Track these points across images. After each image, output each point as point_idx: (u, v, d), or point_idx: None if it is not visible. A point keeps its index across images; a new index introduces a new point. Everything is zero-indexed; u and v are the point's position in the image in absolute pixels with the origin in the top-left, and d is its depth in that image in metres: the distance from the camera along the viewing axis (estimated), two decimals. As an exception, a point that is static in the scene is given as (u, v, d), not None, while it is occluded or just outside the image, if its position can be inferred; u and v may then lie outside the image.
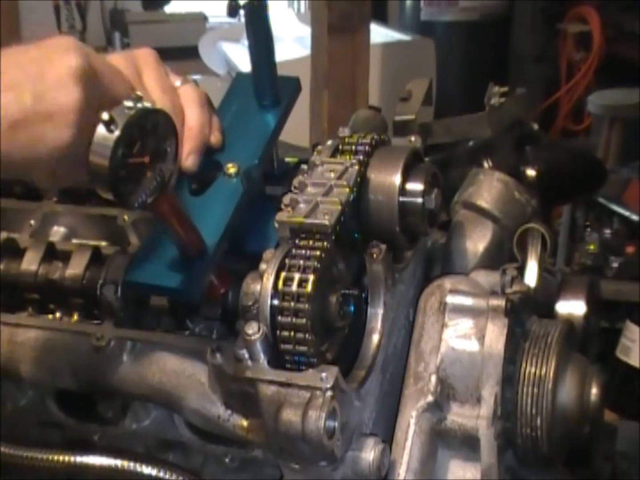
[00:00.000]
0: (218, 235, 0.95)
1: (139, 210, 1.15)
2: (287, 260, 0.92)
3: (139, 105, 0.81)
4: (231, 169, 1.00)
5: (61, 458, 1.02)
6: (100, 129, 0.79)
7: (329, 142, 1.08)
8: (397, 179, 1.01)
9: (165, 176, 0.85)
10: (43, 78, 0.83)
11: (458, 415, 1.01)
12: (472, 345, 1.02)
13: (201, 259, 0.93)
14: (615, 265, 3.03)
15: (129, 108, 0.81)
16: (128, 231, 1.15)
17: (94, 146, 0.79)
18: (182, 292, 0.95)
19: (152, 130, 0.83)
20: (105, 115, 0.79)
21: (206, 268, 0.94)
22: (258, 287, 0.92)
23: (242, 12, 1.00)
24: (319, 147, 1.09)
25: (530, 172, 1.36)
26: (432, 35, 4.32)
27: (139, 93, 0.83)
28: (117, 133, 0.79)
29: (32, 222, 1.19)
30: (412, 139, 1.12)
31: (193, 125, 0.97)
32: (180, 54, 4.00)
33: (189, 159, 0.96)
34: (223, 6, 1.01)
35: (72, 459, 1.02)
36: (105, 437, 1.10)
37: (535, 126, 1.47)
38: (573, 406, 1.03)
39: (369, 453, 0.92)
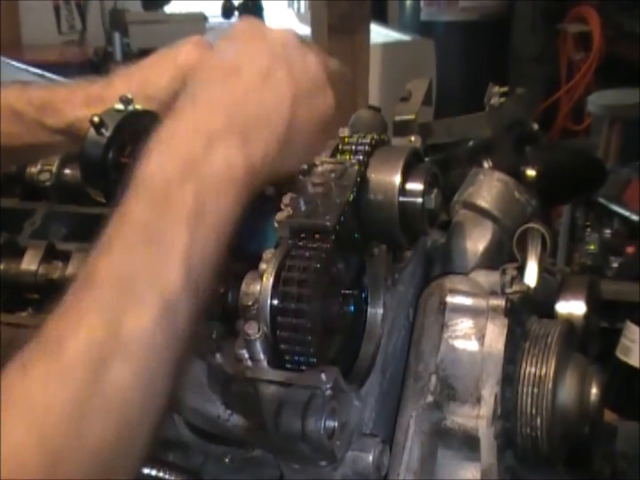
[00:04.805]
0: None
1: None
2: (287, 261, 0.92)
3: (130, 107, 0.82)
4: None
5: (61, 458, 1.02)
6: (91, 132, 0.79)
7: (329, 142, 1.08)
8: (397, 178, 1.01)
9: None
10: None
11: (458, 415, 1.01)
12: (472, 345, 1.02)
13: None
14: (615, 265, 3.03)
15: (119, 110, 0.81)
16: (128, 231, 1.15)
17: (85, 149, 0.79)
18: None
19: (143, 132, 0.83)
20: (95, 118, 0.79)
21: None
22: (258, 287, 0.92)
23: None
24: (319, 147, 1.09)
25: (530, 172, 1.36)
26: (432, 35, 4.32)
27: (129, 95, 0.84)
28: (107, 135, 0.79)
29: (32, 222, 1.19)
30: (412, 139, 1.12)
31: None
32: (181, 54, 3.99)
33: None
34: (223, 6, 1.01)
35: (72, 458, 1.02)
36: (105, 437, 1.10)
37: (535, 126, 1.47)
38: (573, 406, 1.03)
39: (369, 453, 0.92)
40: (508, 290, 1.06)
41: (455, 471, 1.03)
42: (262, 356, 0.90)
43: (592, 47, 4.63)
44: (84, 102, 1.07)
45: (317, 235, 0.93)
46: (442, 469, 1.03)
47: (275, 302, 0.90)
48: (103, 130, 0.79)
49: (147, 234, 0.74)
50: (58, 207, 1.21)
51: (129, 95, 0.84)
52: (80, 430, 0.64)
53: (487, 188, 1.19)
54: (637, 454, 1.57)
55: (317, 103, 0.93)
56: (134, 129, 0.81)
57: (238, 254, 1.01)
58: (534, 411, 1.01)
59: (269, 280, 0.91)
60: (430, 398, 1.00)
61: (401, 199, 1.02)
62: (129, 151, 0.81)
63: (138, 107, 0.83)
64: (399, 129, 1.23)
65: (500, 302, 1.02)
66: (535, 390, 1.01)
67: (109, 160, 0.79)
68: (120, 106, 0.81)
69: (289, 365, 0.91)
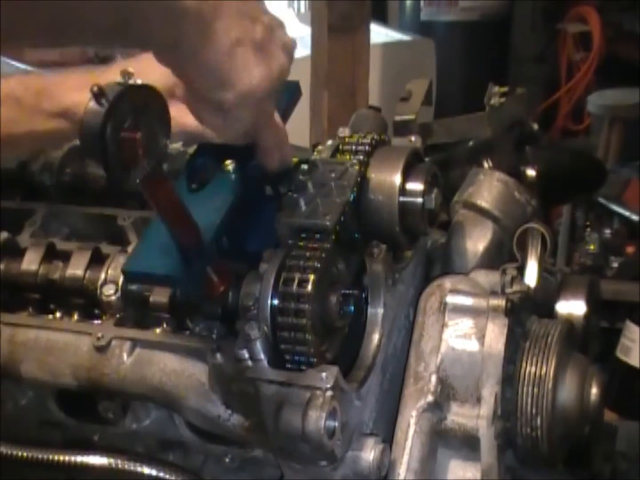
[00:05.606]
0: (215, 228, 0.95)
1: (138, 210, 1.16)
2: (287, 261, 0.92)
3: (130, 81, 0.82)
4: (229, 165, 1.00)
5: (61, 458, 1.02)
6: (91, 103, 0.79)
7: (329, 142, 1.08)
8: (397, 178, 1.02)
9: (158, 154, 0.85)
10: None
11: (458, 415, 1.01)
12: (472, 345, 1.02)
13: (198, 250, 0.93)
14: (615, 265, 3.03)
15: (120, 83, 0.81)
16: (128, 231, 1.15)
17: (85, 119, 0.79)
18: (179, 282, 0.94)
19: (143, 107, 0.83)
20: (95, 88, 0.79)
21: (204, 259, 0.94)
22: (258, 287, 0.92)
23: None
24: (319, 147, 1.09)
25: (530, 172, 1.37)
26: (432, 35, 4.31)
27: (130, 69, 0.83)
28: (107, 106, 0.79)
29: (32, 222, 1.19)
30: (412, 139, 1.12)
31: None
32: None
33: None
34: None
35: (72, 458, 1.02)
36: (105, 437, 1.10)
37: (535, 126, 1.48)
38: (573, 406, 1.03)
39: (369, 453, 0.92)
40: (508, 290, 1.06)
41: (455, 471, 1.03)
42: (262, 356, 0.90)
43: (592, 47, 4.63)
44: (79, 87, 1.09)
45: (317, 235, 0.93)
46: (442, 469, 1.03)
47: (276, 302, 0.90)
48: (103, 101, 0.78)
49: None
50: (58, 207, 1.21)
51: (130, 69, 0.83)
52: None
53: (487, 188, 1.19)
54: (637, 454, 1.57)
55: None
56: (134, 101, 0.81)
57: (238, 254, 1.01)
58: (534, 411, 1.01)
59: (269, 280, 0.91)
60: (430, 398, 1.00)
61: (401, 198, 1.02)
62: (129, 124, 0.80)
63: (139, 81, 0.83)
64: (399, 129, 1.23)
65: (500, 302, 1.02)
66: (535, 390, 1.01)
67: (107, 130, 0.78)
68: (120, 79, 0.81)
69: (289, 365, 0.91)
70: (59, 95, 1.10)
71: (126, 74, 0.82)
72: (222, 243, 0.98)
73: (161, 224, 0.92)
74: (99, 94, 0.78)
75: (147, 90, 0.83)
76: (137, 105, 0.82)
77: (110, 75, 1.04)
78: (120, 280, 1.04)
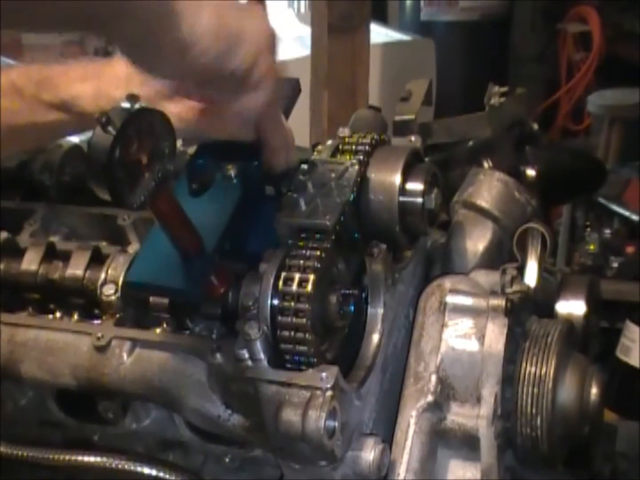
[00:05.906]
0: (217, 235, 0.95)
1: (138, 210, 1.16)
2: (287, 260, 0.92)
3: (136, 105, 0.82)
4: (230, 169, 1.00)
5: (61, 458, 1.02)
6: (98, 130, 0.79)
7: (329, 142, 1.08)
8: (397, 178, 1.02)
9: (163, 176, 0.85)
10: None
11: (458, 415, 1.01)
12: (472, 345, 1.02)
13: (200, 259, 0.93)
14: (615, 265, 3.02)
15: (126, 109, 0.81)
16: (128, 231, 1.15)
17: (92, 146, 0.80)
18: (182, 292, 0.95)
19: (149, 130, 0.83)
20: (102, 116, 0.79)
21: (205, 268, 0.94)
22: (258, 287, 0.92)
23: None
24: (319, 147, 1.09)
25: (530, 172, 1.37)
26: (432, 35, 4.32)
27: (135, 93, 0.84)
28: (113, 133, 0.79)
29: (32, 222, 1.19)
30: (412, 139, 1.12)
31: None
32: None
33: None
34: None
35: (72, 458, 1.02)
36: (105, 437, 1.10)
37: (535, 126, 1.48)
38: (573, 406, 1.03)
39: (369, 453, 0.92)
40: (508, 290, 1.06)
41: (455, 471, 1.03)
42: (262, 356, 0.90)
43: (592, 47, 4.63)
44: (80, 78, 1.09)
45: (317, 235, 0.93)
46: (442, 469, 1.03)
47: (276, 301, 0.90)
48: (110, 128, 0.79)
49: None
50: (58, 207, 1.21)
51: (135, 93, 0.84)
52: None
53: (487, 188, 1.19)
54: (637, 454, 1.57)
55: None
56: (140, 126, 0.81)
57: (238, 254, 1.01)
58: (534, 411, 1.01)
59: (269, 280, 0.91)
60: (430, 398, 1.00)
61: (401, 198, 1.02)
62: (135, 149, 0.81)
63: (144, 104, 0.83)
64: (399, 129, 1.23)
65: (500, 302, 1.02)
66: (535, 390, 1.01)
67: (115, 157, 0.79)
68: (126, 104, 0.81)
69: (289, 365, 0.91)
70: (59, 86, 1.09)
71: (132, 98, 0.82)
72: (224, 246, 0.98)
73: (161, 232, 0.92)
74: (105, 122, 0.79)
75: (152, 114, 0.84)
76: (143, 130, 0.82)
77: (112, 68, 1.05)
78: (120, 280, 1.04)
